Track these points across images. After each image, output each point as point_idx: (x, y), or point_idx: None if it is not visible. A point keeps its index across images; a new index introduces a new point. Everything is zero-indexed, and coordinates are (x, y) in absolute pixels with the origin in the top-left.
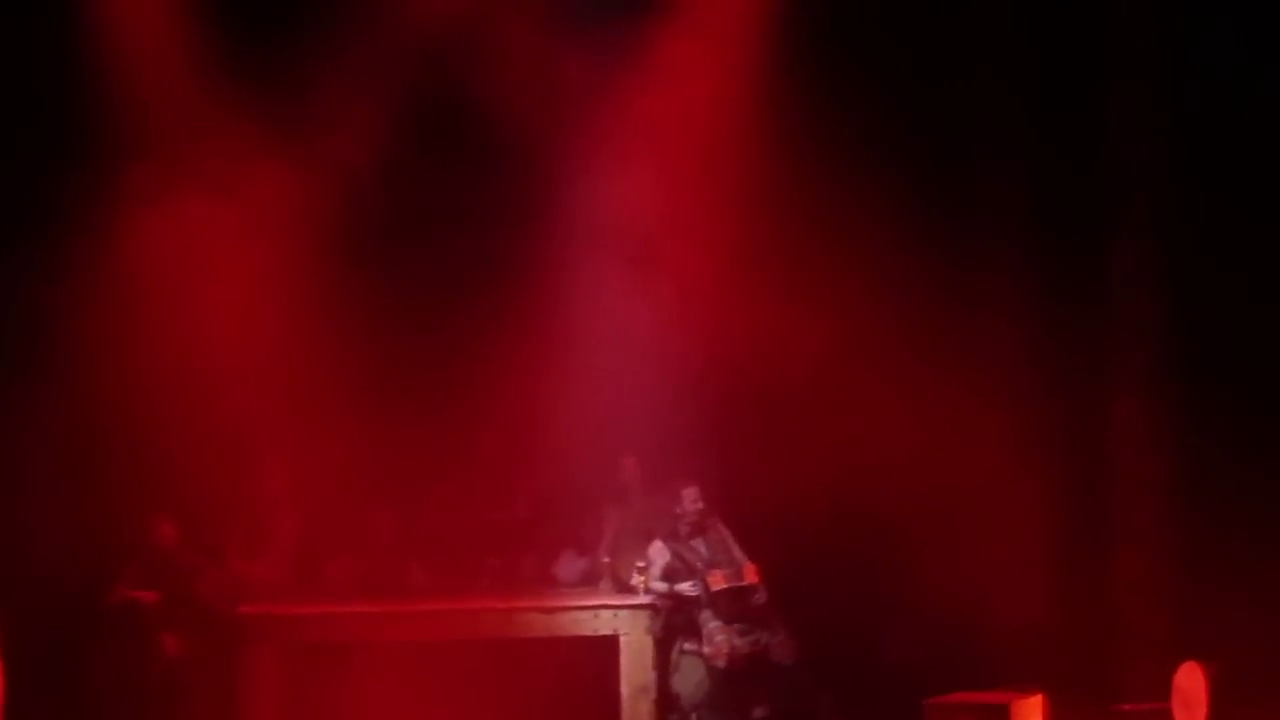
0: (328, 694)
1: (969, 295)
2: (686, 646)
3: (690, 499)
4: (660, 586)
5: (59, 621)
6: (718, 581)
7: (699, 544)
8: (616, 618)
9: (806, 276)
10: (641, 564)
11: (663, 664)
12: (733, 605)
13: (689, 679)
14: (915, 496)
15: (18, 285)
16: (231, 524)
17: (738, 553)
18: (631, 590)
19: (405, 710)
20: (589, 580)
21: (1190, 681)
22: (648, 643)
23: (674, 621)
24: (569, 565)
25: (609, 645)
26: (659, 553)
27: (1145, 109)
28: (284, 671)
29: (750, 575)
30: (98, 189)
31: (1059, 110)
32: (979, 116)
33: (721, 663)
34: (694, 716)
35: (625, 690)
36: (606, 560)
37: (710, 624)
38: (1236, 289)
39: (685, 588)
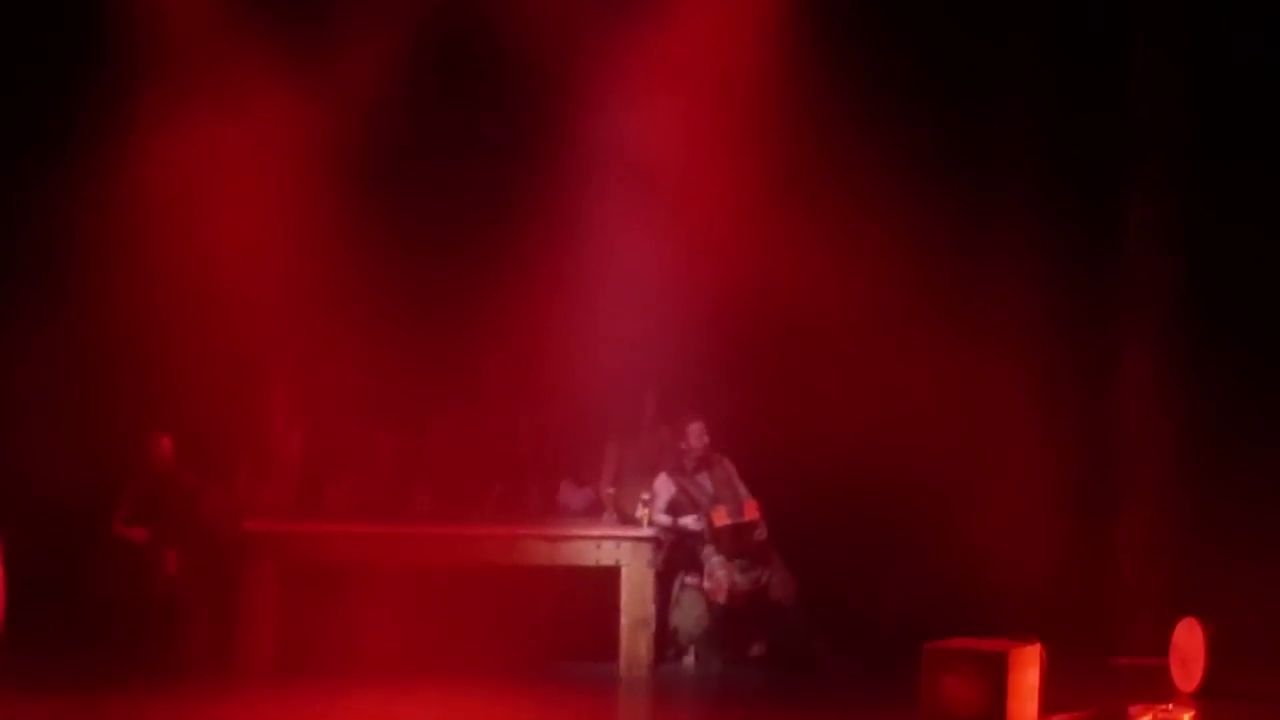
0: (327, 614)
1: (982, 248)
2: (687, 581)
3: (695, 434)
4: (664, 520)
5: (61, 538)
6: (721, 517)
7: (704, 479)
8: (619, 549)
9: (823, 224)
10: (646, 496)
11: (663, 597)
12: (735, 541)
13: (688, 613)
14: (922, 445)
15: (30, 204)
16: (238, 445)
17: (742, 489)
18: (635, 522)
19: (404, 633)
20: (593, 509)
21: (1188, 638)
22: (649, 575)
23: (676, 555)
24: (571, 493)
25: (610, 576)
26: (664, 486)
27: (1163, 68)
28: (284, 591)
29: (750, 511)
30: (112, 110)
31: (1077, 67)
32: (999, 71)
33: (721, 598)
34: (692, 650)
35: (624, 622)
36: (611, 492)
37: (712, 559)
38: (1249, 248)
39: (689, 522)
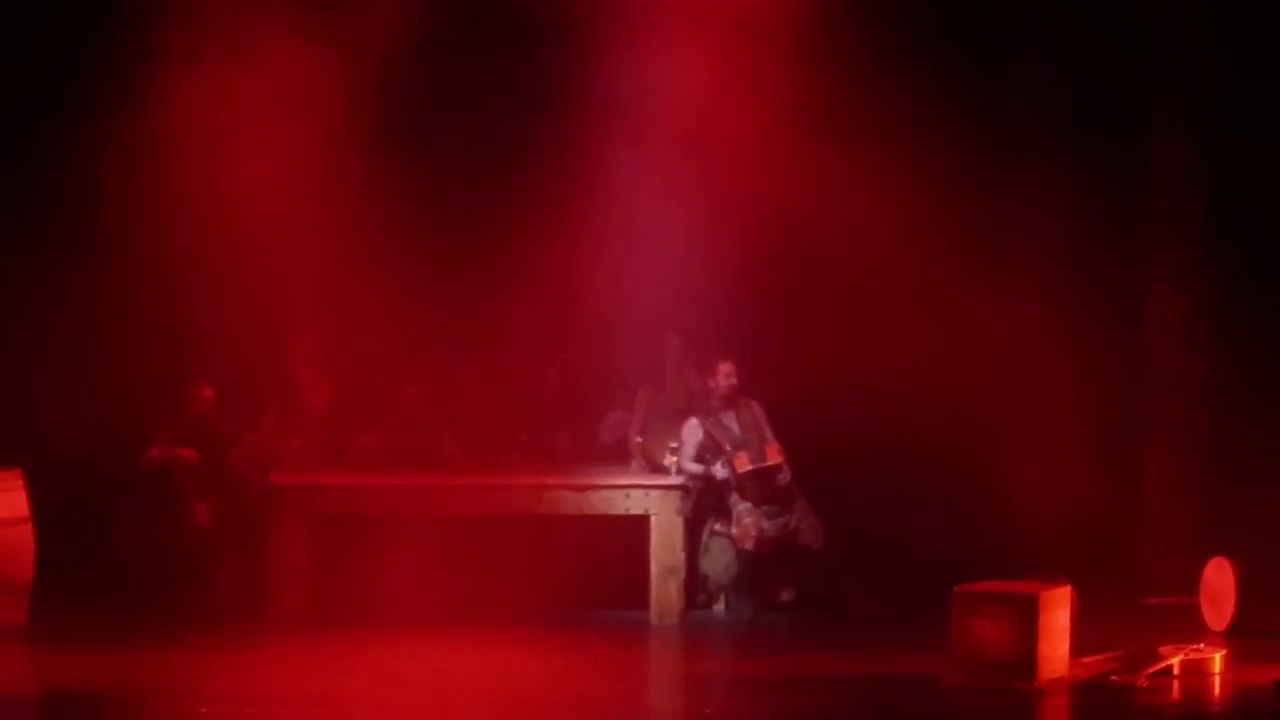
0: (356, 565)
1: (1008, 189)
2: (716, 528)
3: (725, 374)
4: (693, 468)
5: (92, 487)
6: (743, 463)
7: (731, 421)
8: (647, 497)
9: (849, 167)
10: (674, 444)
11: (692, 545)
12: (759, 486)
13: (718, 560)
14: (950, 387)
15: (56, 156)
16: (265, 396)
17: (769, 434)
18: (663, 470)
19: (432, 584)
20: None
21: (1218, 576)
22: (678, 523)
23: (704, 503)
24: (612, 422)
25: (639, 524)
26: (692, 432)
27: (1189, 10)
28: (313, 542)
29: (773, 455)
30: (135, 60)
31: (1100, 6)
32: (1022, 12)
33: (749, 545)
34: (722, 597)
35: (654, 570)
36: (639, 440)
37: (739, 506)
38: (1275, 184)
39: (717, 469)
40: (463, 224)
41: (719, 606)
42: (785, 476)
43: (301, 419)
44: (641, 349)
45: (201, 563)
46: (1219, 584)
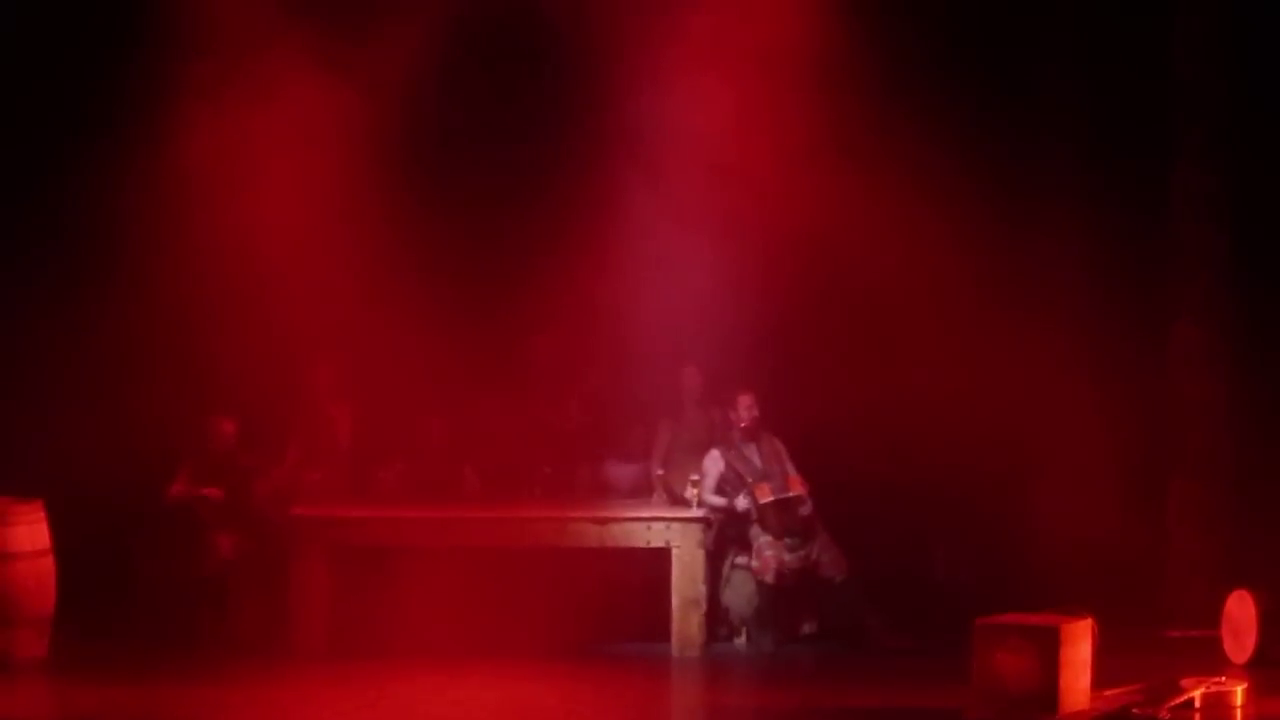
0: (377, 598)
1: (1029, 218)
2: (738, 560)
3: (745, 405)
4: (714, 500)
5: (113, 520)
6: (764, 494)
7: (752, 453)
8: (669, 530)
9: (869, 197)
10: (695, 477)
11: (714, 577)
12: (780, 518)
13: (739, 593)
14: (971, 418)
15: (77, 189)
16: (289, 429)
17: (790, 467)
18: (684, 503)
19: (455, 616)
20: (640, 487)
21: (1240, 609)
22: (699, 556)
23: (726, 535)
24: (619, 470)
25: (661, 557)
26: (713, 463)
27: (1208, 34)
28: (335, 575)
29: (795, 486)
30: (156, 91)
31: (1122, 34)
32: (1043, 40)
33: (769, 577)
34: (743, 630)
35: (676, 602)
36: (660, 473)
37: (760, 539)
38: None
39: (739, 501)
40: (484, 256)
41: (740, 639)
42: (807, 508)
43: (324, 452)
44: (662, 381)
45: (223, 596)
46: (1241, 616)
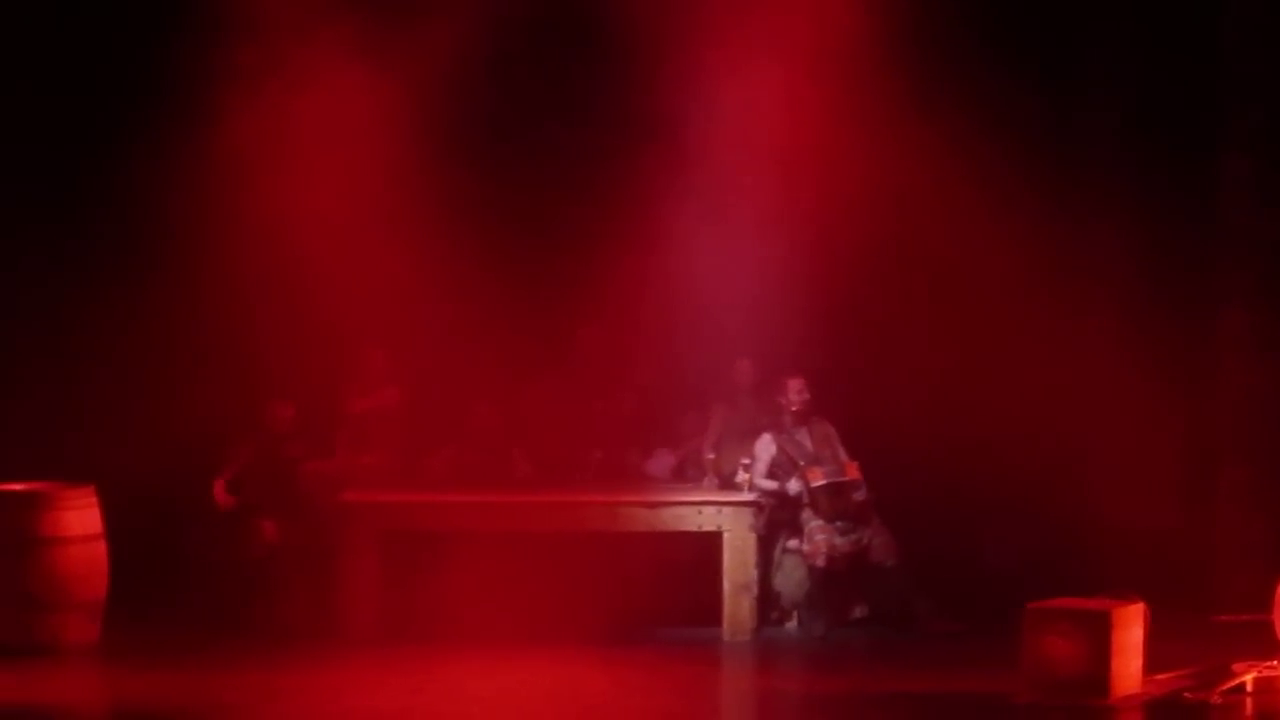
0: (427, 583)
1: (1079, 204)
2: (789, 545)
3: (795, 389)
4: (765, 484)
5: (165, 505)
6: (816, 477)
7: (803, 437)
8: (720, 514)
9: (918, 184)
10: (746, 461)
11: (765, 562)
12: (832, 502)
13: (790, 577)
14: (1020, 402)
15: (126, 177)
16: (339, 414)
17: (842, 452)
18: (736, 487)
19: (504, 601)
20: (677, 476)
21: None
22: (750, 540)
23: (777, 519)
24: (660, 461)
25: (711, 541)
26: (765, 447)
27: (1258, 18)
28: (385, 560)
29: (851, 472)
30: (203, 79)
31: (1173, 17)
32: (1092, 27)
33: (820, 561)
34: (794, 614)
35: (727, 587)
36: (711, 457)
37: (811, 523)
38: None
39: (790, 485)
40: (534, 243)
41: (791, 623)
42: (861, 494)
43: (374, 437)
44: (713, 370)
45: (272, 581)
46: None
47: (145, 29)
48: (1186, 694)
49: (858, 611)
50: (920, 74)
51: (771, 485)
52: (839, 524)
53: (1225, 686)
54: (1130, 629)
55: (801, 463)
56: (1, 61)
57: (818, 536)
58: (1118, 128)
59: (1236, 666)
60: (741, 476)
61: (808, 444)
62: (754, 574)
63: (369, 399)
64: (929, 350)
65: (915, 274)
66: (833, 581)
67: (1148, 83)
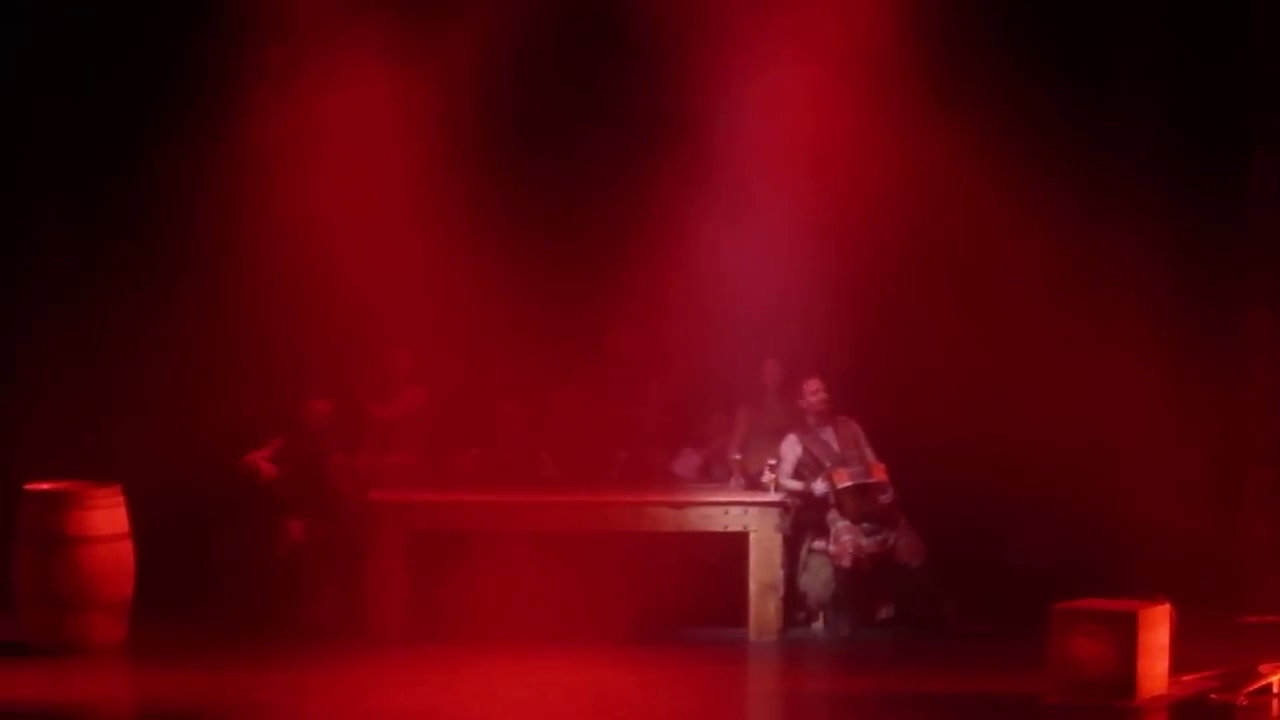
0: (454, 582)
1: (1107, 205)
2: (815, 545)
3: (812, 390)
4: (791, 484)
5: (191, 504)
6: (842, 478)
7: (829, 437)
8: (746, 514)
9: (946, 186)
10: (773, 461)
11: (791, 562)
12: (858, 503)
13: (817, 578)
14: (1047, 402)
15: (155, 176)
16: (367, 413)
17: (868, 452)
18: (762, 488)
19: (531, 601)
20: (703, 476)
21: None
22: (777, 540)
23: (803, 519)
24: (686, 461)
25: (738, 541)
26: (791, 448)
27: None
28: (412, 559)
29: (878, 474)
30: (232, 78)
31: (1201, 18)
32: (1120, 27)
33: (846, 562)
34: (820, 615)
35: (753, 587)
36: (738, 457)
37: (838, 523)
38: None
39: (816, 485)
40: (561, 241)
41: (817, 624)
42: (889, 496)
43: (401, 436)
44: (741, 371)
45: (298, 580)
46: None
47: (173, 29)
48: (1213, 695)
49: (884, 612)
50: (947, 74)
51: (797, 485)
52: (865, 525)
53: (1251, 688)
54: (1157, 630)
55: (827, 464)
56: (31, 63)
57: (844, 537)
58: (1146, 128)
59: (1263, 668)
60: (768, 477)
61: (834, 444)
62: (780, 574)
63: (397, 404)
64: (957, 350)
65: (944, 274)
66: (859, 582)
67: (1176, 83)
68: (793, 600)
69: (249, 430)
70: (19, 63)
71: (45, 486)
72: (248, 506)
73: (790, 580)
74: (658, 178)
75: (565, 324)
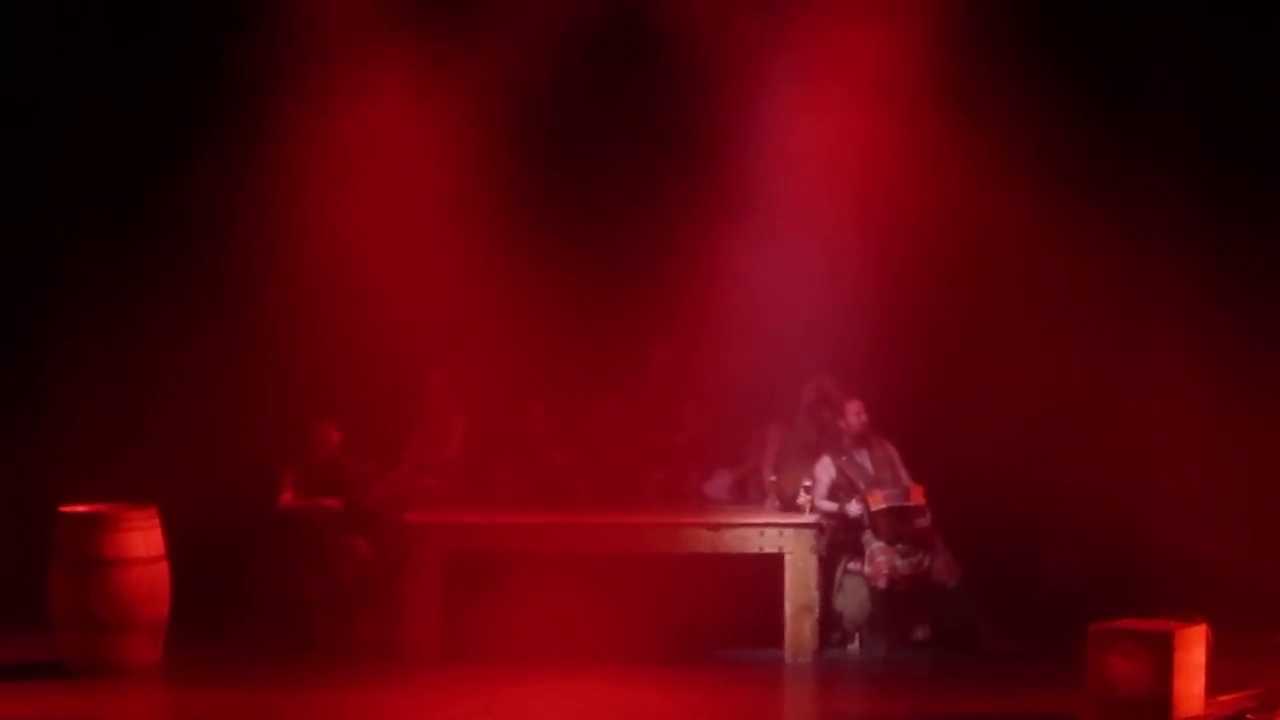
0: (491, 604)
1: (1148, 227)
2: (850, 566)
3: (854, 413)
4: (826, 505)
5: (227, 526)
6: (877, 501)
7: (864, 459)
8: (782, 536)
9: (984, 212)
10: (808, 483)
11: (826, 583)
12: (893, 525)
13: (852, 599)
14: (1083, 422)
15: (185, 197)
16: (404, 434)
17: (904, 474)
18: (797, 509)
19: (567, 622)
20: (737, 496)
21: None
22: (812, 561)
23: (838, 541)
24: (718, 482)
25: (773, 563)
26: (825, 469)
27: None
28: (449, 580)
29: (916, 497)
30: (263, 97)
31: (1243, 35)
32: (1159, 41)
33: (881, 583)
34: (856, 636)
35: (789, 609)
36: (773, 479)
37: (873, 544)
38: None
39: (851, 507)
40: (597, 261)
41: (853, 645)
42: (925, 520)
43: (437, 458)
44: (778, 390)
45: (366, 599)
46: None
47: (208, 48)
48: (1249, 715)
49: (920, 632)
50: (984, 92)
51: (832, 507)
52: (900, 546)
53: None
54: (1193, 650)
55: (862, 486)
56: (63, 82)
57: (879, 558)
58: (1186, 150)
59: None
60: (803, 498)
61: (868, 466)
62: (816, 595)
63: (448, 446)
64: (993, 371)
65: (980, 295)
66: (895, 602)
67: (1216, 103)
68: (828, 621)
69: (281, 454)
70: (51, 90)
71: (81, 509)
72: (294, 533)
73: (825, 601)
74: (694, 198)
75: (602, 344)
